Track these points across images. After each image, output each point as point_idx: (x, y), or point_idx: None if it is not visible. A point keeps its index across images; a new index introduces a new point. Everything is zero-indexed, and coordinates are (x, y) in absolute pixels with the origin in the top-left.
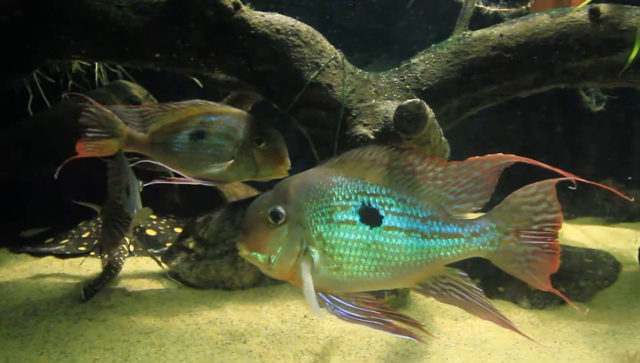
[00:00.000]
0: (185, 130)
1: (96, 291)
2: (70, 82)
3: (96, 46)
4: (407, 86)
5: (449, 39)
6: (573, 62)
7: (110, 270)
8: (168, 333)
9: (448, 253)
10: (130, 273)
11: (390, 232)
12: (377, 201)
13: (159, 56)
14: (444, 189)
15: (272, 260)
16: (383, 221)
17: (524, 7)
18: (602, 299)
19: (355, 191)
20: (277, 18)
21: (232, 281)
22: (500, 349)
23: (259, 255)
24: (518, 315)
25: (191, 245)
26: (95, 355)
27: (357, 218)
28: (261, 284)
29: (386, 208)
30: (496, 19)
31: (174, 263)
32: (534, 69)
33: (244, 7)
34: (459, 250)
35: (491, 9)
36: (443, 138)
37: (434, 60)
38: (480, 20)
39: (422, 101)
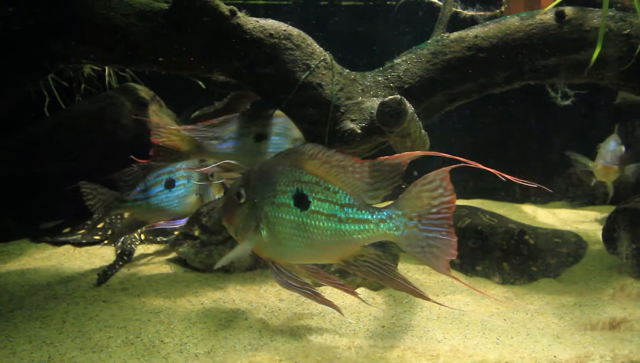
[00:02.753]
0: (249, 135)
1: (109, 276)
2: (83, 85)
3: (103, 51)
4: (391, 84)
5: (429, 41)
6: (540, 60)
7: (123, 256)
8: (176, 312)
9: (360, 236)
10: (141, 258)
11: (314, 215)
12: (307, 188)
13: (162, 60)
14: (361, 180)
15: (237, 232)
16: (310, 205)
17: (497, 11)
18: (569, 275)
19: (292, 179)
20: (270, 23)
21: (232, 264)
22: (477, 321)
23: (230, 227)
24: (494, 290)
25: (196, 233)
26: (109, 333)
27: (291, 202)
28: (258, 267)
29: (313, 194)
30: (472, 22)
31: (181, 249)
32: (505, 67)
33: (239, 14)
34: (369, 234)
35: (468, 12)
36: (423, 131)
37: (415, 60)
38: (457, 23)
39: (403, 98)
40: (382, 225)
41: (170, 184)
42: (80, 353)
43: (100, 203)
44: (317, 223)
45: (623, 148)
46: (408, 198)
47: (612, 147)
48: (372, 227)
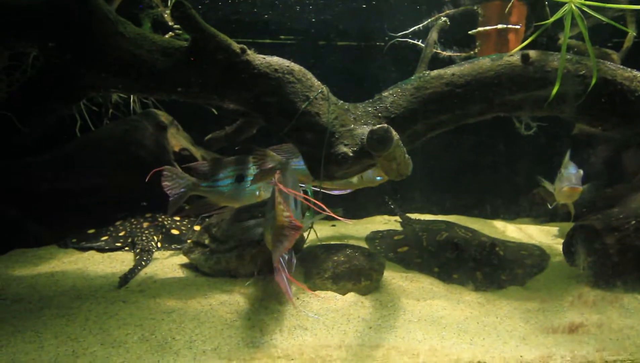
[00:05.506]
0: None
1: (130, 279)
2: (111, 110)
3: (130, 81)
4: (379, 114)
5: (412, 77)
6: (508, 96)
7: (141, 261)
8: (187, 312)
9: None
10: (157, 264)
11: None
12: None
13: (180, 90)
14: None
15: None
16: None
17: (472, 52)
18: (534, 283)
19: None
20: (275, 60)
21: (237, 270)
22: (453, 323)
23: None
24: (469, 296)
25: (206, 241)
26: (127, 330)
27: None
28: (261, 273)
29: None
30: (450, 62)
31: (192, 256)
32: (478, 101)
33: (249, 52)
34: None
35: (446, 53)
36: (407, 155)
37: (400, 93)
38: (437, 62)
39: (389, 126)
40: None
41: (240, 178)
42: (101, 348)
43: (177, 185)
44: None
45: (581, 171)
46: (269, 217)
47: (573, 171)
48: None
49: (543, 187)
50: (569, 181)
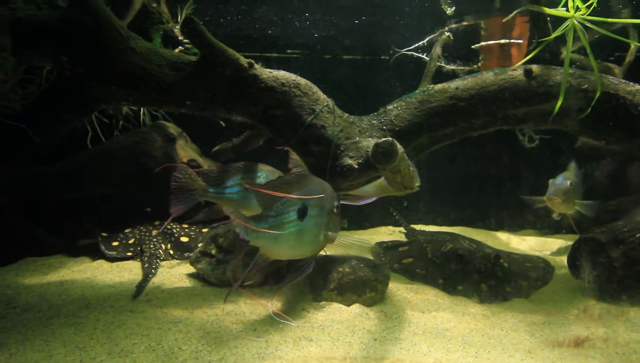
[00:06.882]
0: None
1: (144, 288)
2: (121, 122)
3: (140, 95)
4: (384, 127)
5: (417, 91)
6: (511, 110)
7: (151, 269)
8: (193, 322)
9: None
10: (164, 273)
11: None
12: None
13: (189, 103)
14: None
15: None
16: None
17: (475, 66)
18: (539, 296)
19: None
20: (282, 74)
21: (244, 281)
22: (458, 336)
23: None
24: (474, 308)
25: (213, 251)
26: (134, 340)
27: None
28: (266, 283)
29: None
30: (454, 75)
31: (199, 266)
32: (481, 114)
33: (256, 66)
34: None
35: (450, 67)
36: (412, 168)
37: (404, 107)
38: (441, 76)
39: (394, 140)
40: None
41: None
42: (108, 357)
43: (186, 186)
44: None
45: (568, 183)
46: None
47: (557, 181)
48: None
49: (534, 202)
50: (548, 191)
